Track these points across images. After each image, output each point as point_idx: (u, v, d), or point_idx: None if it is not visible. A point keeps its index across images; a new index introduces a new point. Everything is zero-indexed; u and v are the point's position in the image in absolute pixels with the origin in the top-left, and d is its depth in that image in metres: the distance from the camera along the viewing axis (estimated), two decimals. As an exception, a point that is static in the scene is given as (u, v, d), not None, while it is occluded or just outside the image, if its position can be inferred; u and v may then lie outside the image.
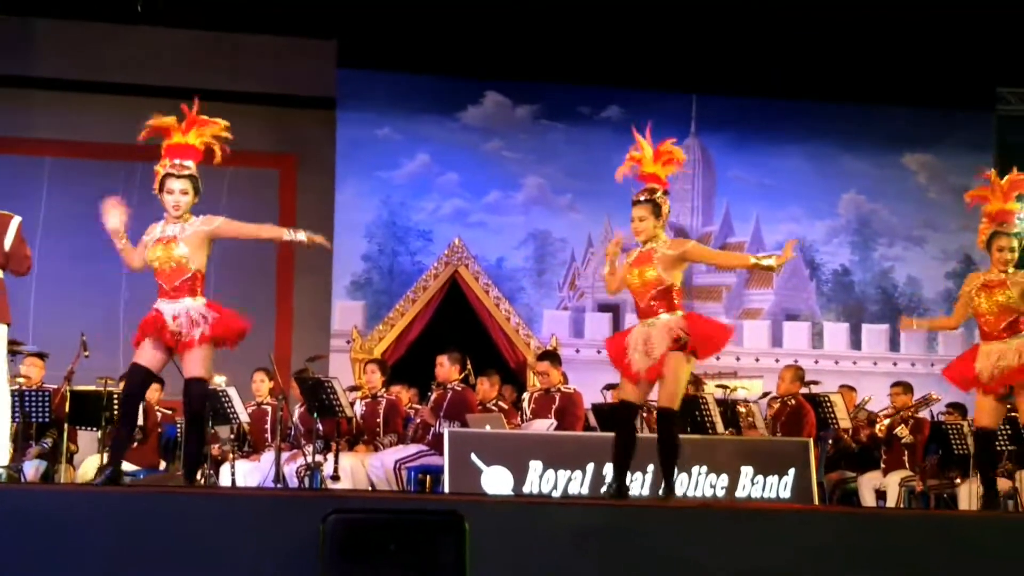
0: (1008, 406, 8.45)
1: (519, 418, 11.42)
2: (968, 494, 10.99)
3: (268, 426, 11.57)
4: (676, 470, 7.66)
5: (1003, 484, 9.52)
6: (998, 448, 9.00)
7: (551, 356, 11.69)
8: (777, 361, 15.05)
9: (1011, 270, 8.16)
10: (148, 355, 7.29)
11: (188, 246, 7.27)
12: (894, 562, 6.23)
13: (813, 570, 6.15)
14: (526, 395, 11.77)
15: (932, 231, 17.43)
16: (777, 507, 9.19)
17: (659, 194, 7.61)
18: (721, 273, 17.21)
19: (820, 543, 6.28)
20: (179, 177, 7.33)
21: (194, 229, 7.30)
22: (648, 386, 7.62)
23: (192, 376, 7.23)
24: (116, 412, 10.35)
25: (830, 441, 11.91)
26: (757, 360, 16.83)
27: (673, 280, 7.48)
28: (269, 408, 11.58)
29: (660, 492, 7.61)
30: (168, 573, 5.57)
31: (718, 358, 16.52)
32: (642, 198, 7.63)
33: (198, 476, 10.53)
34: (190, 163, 7.39)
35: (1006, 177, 8.40)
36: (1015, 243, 8.15)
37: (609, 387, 11.73)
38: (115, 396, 10.64)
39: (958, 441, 11.21)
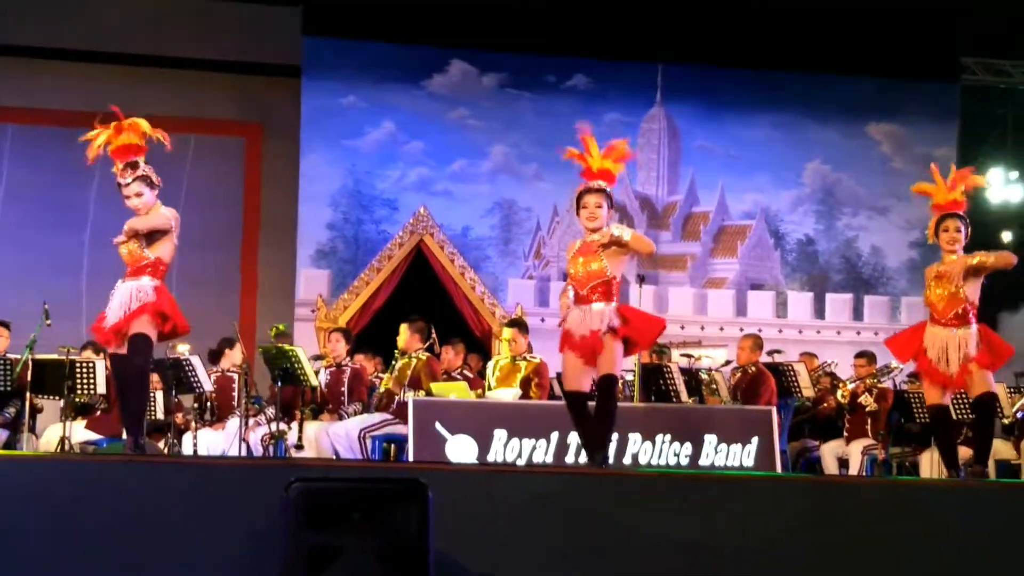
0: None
1: (484, 387, 11.43)
2: (929, 462, 11.09)
3: (235, 394, 11.55)
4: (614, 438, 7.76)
5: (963, 452, 9.58)
6: (955, 419, 9.06)
7: (519, 324, 11.69)
8: (741, 330, 15.07)
9: (960, 253, 8.22)
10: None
11: (146, 239, 7.40)
12: (856, 529, 6.29)
13: (776, 537, 6.20)
14: (491, 364, 11.78)
15: (896, 201, 17.50)
16: (740, 475, 9.25)
17: (607, 186, 7.75)
18: (686, 243, 17.28)
19: (783, 511, 6.33)
20: (126, 184, 7.41)
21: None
22: (584, 368, 7.69)
23: (135, 332, 7.26)
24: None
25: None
26: (722, 329, 16.90)
27: (615, 273, 7.60)
28: (235, 376, 11.56)
29: (595, 459, 7.58)
30: (132, 540, 5.57)
31: (682, 327, 16.77)
32: (597, 186, 7.72)
33: (161, 445, 10.58)
34: (138, 160, 7.41)
35: (950, 175, 8.48)
36: (959, 224, 8.23)
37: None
38: (77, 365, 10.60)
39: (920, 409, 11.28)
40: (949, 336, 8.14)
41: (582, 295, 7.63)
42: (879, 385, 11.82)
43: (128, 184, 7.38)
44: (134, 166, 7.40)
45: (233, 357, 11.67)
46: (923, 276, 8.50)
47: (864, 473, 11.37)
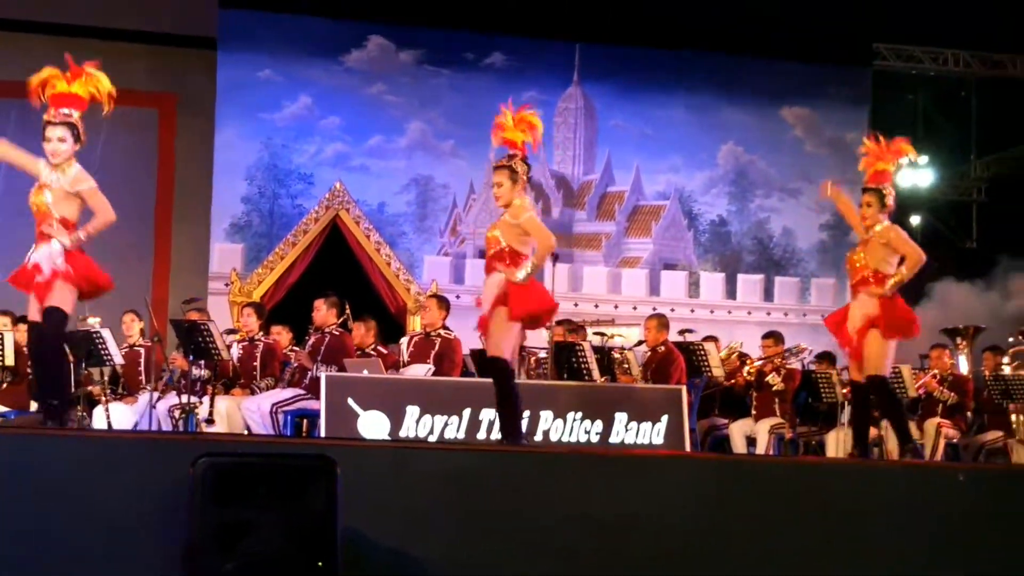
0: None
1: (398, 362, 11.43)
2: (835, 441, 11.25)
3: (142, 368, 11.47)
4: (518, 420, 7.84)
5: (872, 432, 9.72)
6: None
7: (442, 299, 11.68)
8: (654, 309, 15.21)
9: (878, 227, 8.34)
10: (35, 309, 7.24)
11: (53, 195, 7.24)
12: (763, 507, 6.39)
13: (685, 514, 6.28)
14: (404, 339, 11.77)
15: (807, 183, 17.70)
16: (649, 453, 9.34)
17: (516, 160, 7.76)
18: (601, 222, 17.39)
19: (692, 488, 6.41)
20: (56, 124, 7.24)
21: (60, 185, 7.25)
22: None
23: (48, 305, 7.15)
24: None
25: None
26: (635, 308, 17.02)
27: (510, 243, 7.63)
28: (143, 350, 11.47)
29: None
30: (39, 514, 5.54)
31: (596, 306, 16.87)
32: (500, 164, 7.81)
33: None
34: (73, 112, 7.29)
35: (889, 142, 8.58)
36: (872, 198, 8.34)
37: (487, 333, 11.78)
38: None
39: (827, 390, 11.45)
40: (861, 301, 8.29)
41: (486, 266, 7.75)
42: (787, 365, 11.97)
43: (57, 124, 7.25)
44: (70, 113, 7.29)
45: (128, 328, 11.59)
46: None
47: (771, 452, 11.51)
